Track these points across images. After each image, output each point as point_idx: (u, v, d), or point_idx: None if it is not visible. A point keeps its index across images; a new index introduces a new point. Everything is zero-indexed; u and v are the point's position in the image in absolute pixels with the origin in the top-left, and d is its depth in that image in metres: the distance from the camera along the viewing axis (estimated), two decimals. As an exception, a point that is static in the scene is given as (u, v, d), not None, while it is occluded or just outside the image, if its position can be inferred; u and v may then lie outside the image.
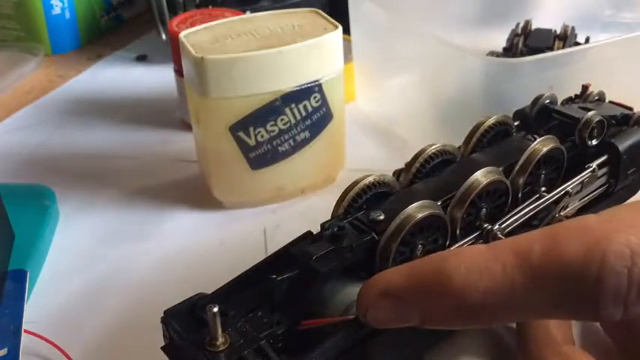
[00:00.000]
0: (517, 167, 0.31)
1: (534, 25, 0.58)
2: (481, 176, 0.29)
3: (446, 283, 0.23)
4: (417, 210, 0.27)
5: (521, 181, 0.31)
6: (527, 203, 0.31)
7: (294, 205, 0.43)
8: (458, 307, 0.23)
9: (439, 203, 0.28)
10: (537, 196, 0.32)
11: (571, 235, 0.22)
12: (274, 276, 0.28)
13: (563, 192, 0.32)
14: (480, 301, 0.22)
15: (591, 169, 0.33)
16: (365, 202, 0.30)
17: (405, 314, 0.24)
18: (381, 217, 0.28)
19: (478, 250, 0.23)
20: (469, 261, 0.23)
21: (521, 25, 0.58)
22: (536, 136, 0.34)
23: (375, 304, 0.24)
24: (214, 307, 0.25)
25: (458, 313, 0.23)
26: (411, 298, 0.24)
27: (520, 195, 0.31)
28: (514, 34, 0.57)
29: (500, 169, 0.30)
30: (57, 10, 0.66)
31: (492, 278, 0.22)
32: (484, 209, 0.29)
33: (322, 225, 0.29)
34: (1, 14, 0.67)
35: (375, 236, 0.28)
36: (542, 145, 0.31)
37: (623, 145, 0.34)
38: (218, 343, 0.26)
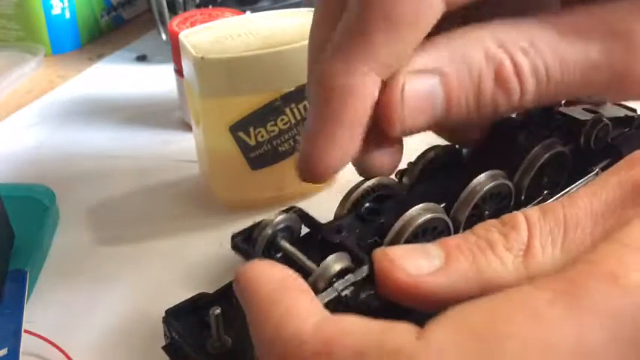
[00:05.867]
0: (520, 170, 0.31)
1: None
2: (485, 179, 0.29)
3: None
4: (420, 212, 0.27)
5: (524, 183, 0.30)
6: (530, 206, 0.31)
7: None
8: None
9: (442, 206, 0.28)
10: (540, 198, 0.31)
11: None
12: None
13: (565, 195, 0.32)
14: None
15: (595, 172, 0.33)
16: (367, 204, 0.30)
17: None
18: (383, 220, 0.28)
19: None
20: None
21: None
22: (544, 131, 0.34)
23: None
24: (217, 309, 0.25)
25: None
26: None
27: (523, 197, 0.31)
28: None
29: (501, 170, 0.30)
30: (57, 10, 0.66)
31: None
32: (487, 212, 0.29)
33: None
34: (1, 14, 0.67)
35: (378, 239, 0.28)
36: (546, 148, 0.31)
37: (626, 149, 0.34)
38: (220, 344, 0.26)
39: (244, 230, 0.28)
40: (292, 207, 0.28)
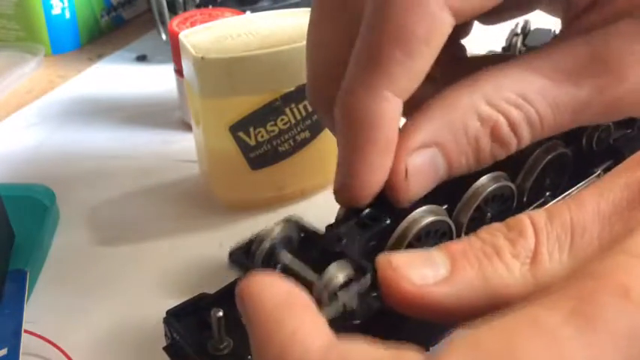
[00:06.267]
0: (523, 172, 0.31)
1: (533, 26, 0.58)
2: (487, 181, 0.28)
3: None
4: (423, 215, 0.27)
5: (526, 185, 0.30)
6: (531, 208, 0.31)
7: (295, 206, 0.43)
8: None
9: (444, 207, 0.28)
10: (542, 200, 0.31)
11: None
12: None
13: (567, 197, 0.32)
14: None
15: (596, 174, 0.33)
16: (368, 209, 0.30)
17: None
18: (387, 222, 0.28)
19: None
20: None
21: (521, 25, 0.58)
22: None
23: None
24: (219, 311, 0.25)
25: None
26: None
27: (525, 199, 0.31)
28: (513, 34, 0.57)
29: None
30: (57, 10, 0.66)
31: None
32: (489, 214, 0.29)
33: (327, 228, 0.28)
34: (1, 14, 0.67)
35: (381, 241, 0.27)
36: (547, 150, 0.31)
37: (628, 150, 0.34)
38: (221, 346, 0.26)
39: (242, 245, 0.27)
40: (289, 217, 0.28)
